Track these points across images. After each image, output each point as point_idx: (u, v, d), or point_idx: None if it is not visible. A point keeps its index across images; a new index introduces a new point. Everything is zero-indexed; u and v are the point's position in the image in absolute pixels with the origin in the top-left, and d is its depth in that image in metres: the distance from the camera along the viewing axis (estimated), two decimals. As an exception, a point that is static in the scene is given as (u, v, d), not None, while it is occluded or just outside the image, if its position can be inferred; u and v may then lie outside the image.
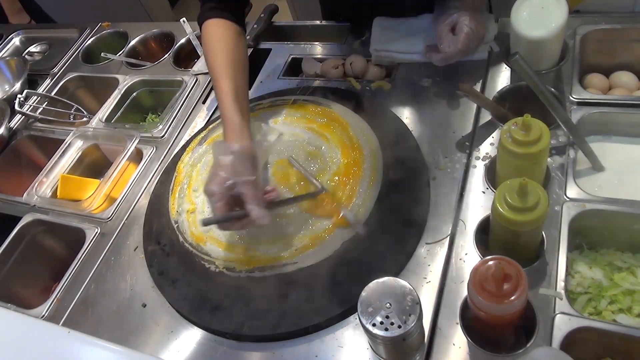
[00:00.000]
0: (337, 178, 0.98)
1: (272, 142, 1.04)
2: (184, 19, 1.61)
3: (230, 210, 0.85)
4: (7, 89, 1.60)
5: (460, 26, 1.05)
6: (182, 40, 1.58)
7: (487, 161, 0.99)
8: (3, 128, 1.44)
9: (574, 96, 1.02)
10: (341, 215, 0.91)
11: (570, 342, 0.73)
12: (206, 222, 0.84)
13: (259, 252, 0.93)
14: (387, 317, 0.68)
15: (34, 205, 1.23)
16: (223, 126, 0.94)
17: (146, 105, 1.56)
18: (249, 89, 1.30)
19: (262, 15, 1.49)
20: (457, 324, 0.79)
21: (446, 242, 0.89)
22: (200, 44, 1.54)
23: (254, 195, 0.84)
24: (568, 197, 0.89)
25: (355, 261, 0.88)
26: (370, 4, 1.31)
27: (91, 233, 1.12)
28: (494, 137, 1.03)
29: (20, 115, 1.50)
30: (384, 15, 1.28)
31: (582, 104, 1.01)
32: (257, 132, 1.05)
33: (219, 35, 1.03)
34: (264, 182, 0.99)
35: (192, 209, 1.04)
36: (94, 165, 1.38)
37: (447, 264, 0.87)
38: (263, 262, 0.92)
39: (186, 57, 1.58)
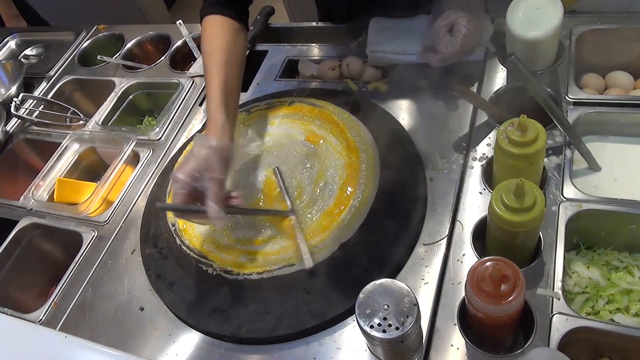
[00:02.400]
0: (333, 180, 0.99)
1: (251, 151, 1.04)
2: (180, 21, 1.61)
3: (190, 202, 0.86)
4: (3, 92, 1.59)
5: (458, 27, 1.05)
6: (179, 43, 1.58)
7: (484, 162, 0.99)
8: (-1, 132, 1.44)
9: (570, 96, 1.02)
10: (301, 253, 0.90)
11: (568, 342, 0.74)
12: (162, 207, 0.86)
13: (257, 254, 0.93)
14: (384, 318, 0.68)
15: (31, 209, 1.22)
16: (207, 122, 0.95)
17: (143, 108, 1.55)
18: (245, 91, 1.31)
19: (259, 17, 1.49)
20: (455, 325, 0.79)
21: (443, 243, 0.89)
22: (197, 45, 1.55)
23: (216, 193, 0.84)
24: (565, 197, 0.89)
25: (353, 263, 0.88)
26: (365, 5, 1.31)
27: (88, 236, 1.11)
28: (490, 138, 1.03)
29: (16, 119, 1.50)
30: (380, 15, 1.28)
31: (579, 104, 1.01)
32: (242, 136, 1.05)
33: (216, 31, 1.03)
34: (251, 187, 1.01)
35: (189, 211, 1.04)
36: (91, 169, 1.38)
37: (444, 265, 0.87)
38: (261, 264, 0.92)
39: (183, 60, 1.58)
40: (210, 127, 0.93)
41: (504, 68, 1.13)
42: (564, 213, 0.86)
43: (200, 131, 1.22)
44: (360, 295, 0.70)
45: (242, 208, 0.92)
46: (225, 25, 1.04)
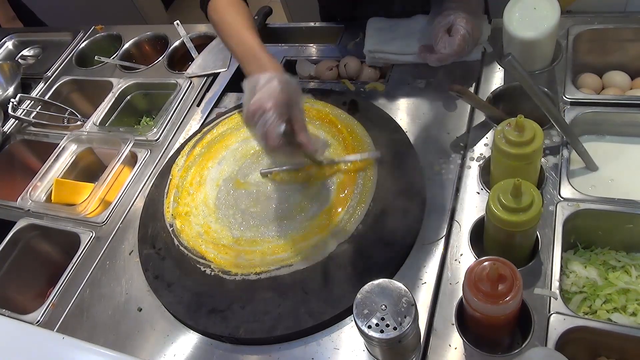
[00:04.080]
0: (331, 180, 0.99)
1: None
2: (178, 21, 1.61)
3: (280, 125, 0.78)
4: (0, 93, 1.59)
5: (457, 28, 1.05)
6: (176, 43, 1.58)
7: (481, 162, 0.99)
8: (-4, 132, 1.43)
9: (567, 96, 1.02)
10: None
11: (566, 341, 0.74)
12: (264, 172, 0.93)
13: (255, 255, 0.93)
14: (382, 319, 0.68)
15: (28, 209, 1.22)
16: (259, 68, 0.86)
17: (140, 109, 1.55)
18: (243, 92, 1.31)
19: (256, 17, 1.49)
20: (453, 324, 0.79)
21: (441, 243, 0.89)
22: (195, 45, 1.55)
23: (303, 120, 0.81)
24: (562, 197, 0.89)
25: (351, 263, 0.88)
26: (366, 4, 1.31)
27: (86, 237, 1.11)
28: (488, 138, 1.03)
29: (13, 120, 1.50)
30: (380, 15, 1.28)
31: (576, 103, 1.01)
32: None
33: (231, 5, 1.01)
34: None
35: (187, 212, 1.04)
36: (88, 169, 1.38)
37: (442, 265, 0.87)
38: (259, 265, 0.92)
39: (180, 60, 1.58)
40: (271, 69, 0.85)
41: (501, 68, 1.14)
42: (561, 213, 0.87)
43: (197, 132, 1.21)
44: (358, 295, 0.71)
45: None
46: (236, 1, 1.03)
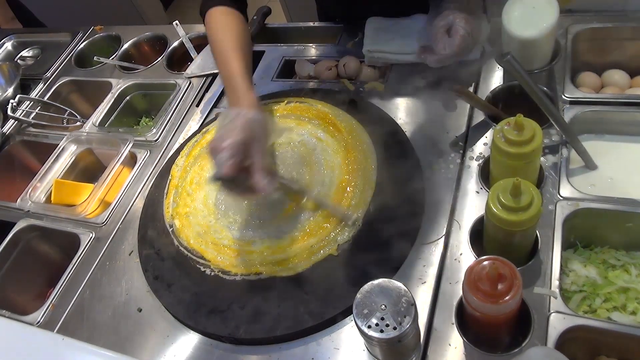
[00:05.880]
0: (331, 180, 0.99)
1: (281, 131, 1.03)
2: (177, 21, 1.61)
3: (238, 173, 0.81)
4: (0, 94, 1.59)
5: (456, 28, 1.04)
6: (175, 44, 1.58)
7: (480, 161, 0.99)
8: (-4, 133, 1.43)
9: (566, 95, 1.02)
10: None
11: (565, 340, 0.74)
12: (216, 177, 0.81)
13: (255, 255, 0.93)
14: (382, 318, 0.68)
15: (28, 210, 1.22)
16: (236, 102, 0.92)
17: (140, 109, 1.55)
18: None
19: (255, 17, 1.49)
20: (453, 324, 0.79)
21: (441, 242, 0.89)
22: (194, 45, 1.55)
23: (264, 163, 0.82)
24: (562, 196, 0.89)
25: (350, 263, 0.88)
26: (364, 3, 1.31)
27: (86, 238, 1.11)
28: (487, 137, 1.03)
29: (13, 121, 1.50)
30: (378, 15, 1.28)
31: (575, 102, 1.01)
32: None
33: (224, 21, 1.05)
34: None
35: (187, 212, 1.04)
36: (88, 170, 1.38)
37: (442, 265, 0.87)
38: (258, 265, 0.92)
39: (179, 60, 1.58)
40: (244, 104, 0.90)
41: (500, 67, 1.14)
42: (561, 212, 0.87)
43: (197, 133, 1.21)
44: (357, 295, 0.71)
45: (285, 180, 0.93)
46: (231, 15, 1.06)
